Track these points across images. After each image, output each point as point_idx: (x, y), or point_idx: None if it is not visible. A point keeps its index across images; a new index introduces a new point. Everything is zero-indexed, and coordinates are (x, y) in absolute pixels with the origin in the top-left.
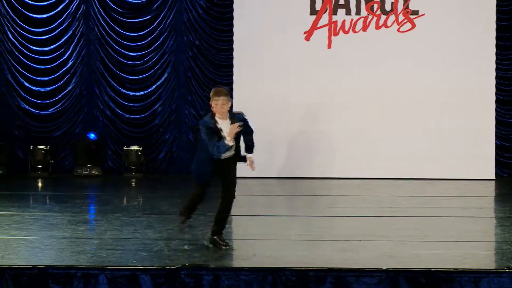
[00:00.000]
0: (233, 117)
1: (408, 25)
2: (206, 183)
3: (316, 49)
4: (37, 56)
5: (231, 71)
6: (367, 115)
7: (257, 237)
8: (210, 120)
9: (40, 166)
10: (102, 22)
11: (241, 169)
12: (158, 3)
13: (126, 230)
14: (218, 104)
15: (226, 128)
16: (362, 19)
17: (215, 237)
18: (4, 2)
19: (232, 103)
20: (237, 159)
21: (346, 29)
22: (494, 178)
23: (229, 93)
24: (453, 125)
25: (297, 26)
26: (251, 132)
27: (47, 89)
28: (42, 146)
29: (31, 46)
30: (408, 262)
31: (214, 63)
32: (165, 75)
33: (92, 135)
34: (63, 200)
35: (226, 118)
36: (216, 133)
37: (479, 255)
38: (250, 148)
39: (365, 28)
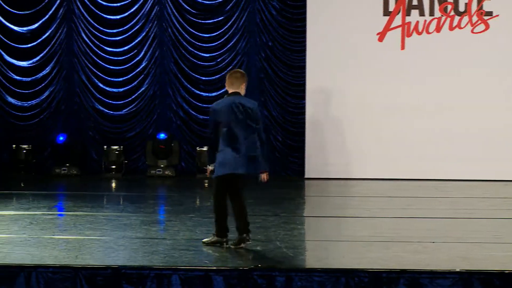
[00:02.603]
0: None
1: (482, 26)
2: None
3: (389, 50)
4: (111, 57)
5: (304, 72)
6: (439, 117)
7: (329, 238)
8: None
9: (113, 167)
10: (176, 23)
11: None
12: (231, 4)
13: (199, 230)
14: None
15: None
16: (435, 20)
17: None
18: (79, 3)
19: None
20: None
21: (420, 30)
22: None
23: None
24: None
25: (370, 27)
26: None
27: (121, 90)
28: (115, 147)
29: (105, 47)
30: (482, 264)
31: (287, 64)
32: None
33: (162, 135)
34: (136, 200)
35: None
36: None
37: None
38: None
39: (438, 29)
